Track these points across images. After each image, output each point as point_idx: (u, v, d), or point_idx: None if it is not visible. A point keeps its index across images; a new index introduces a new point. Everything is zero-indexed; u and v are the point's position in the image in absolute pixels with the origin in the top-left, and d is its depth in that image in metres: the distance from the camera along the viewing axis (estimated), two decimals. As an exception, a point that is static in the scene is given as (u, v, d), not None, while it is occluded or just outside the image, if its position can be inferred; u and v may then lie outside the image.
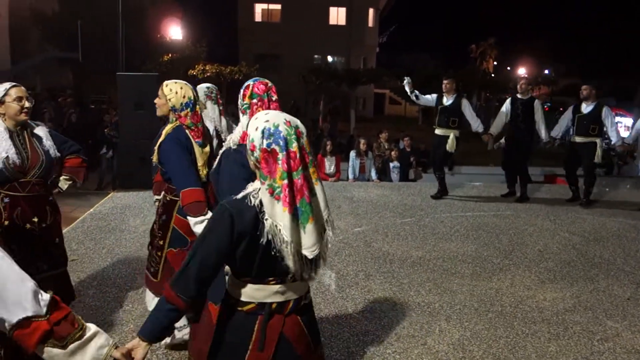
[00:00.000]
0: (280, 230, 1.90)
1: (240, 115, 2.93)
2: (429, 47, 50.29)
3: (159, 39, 22.48)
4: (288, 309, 2.03)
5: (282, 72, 31.33)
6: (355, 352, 3.80)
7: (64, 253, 3.75)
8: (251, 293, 2.01)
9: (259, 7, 36.26)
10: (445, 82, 8.49)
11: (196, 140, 3.42)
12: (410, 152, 11.93)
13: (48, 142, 3.61)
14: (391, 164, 11.08)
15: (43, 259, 3.51)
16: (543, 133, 8.37)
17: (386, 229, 6.73)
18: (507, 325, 4.25)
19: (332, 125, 19.33)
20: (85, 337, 1.80)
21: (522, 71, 44.24)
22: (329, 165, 10.40)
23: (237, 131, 2.90)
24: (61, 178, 3.86)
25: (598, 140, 8.05)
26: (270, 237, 1.91)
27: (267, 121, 1.95)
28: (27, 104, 3.47)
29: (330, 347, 3.82)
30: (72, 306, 4.17)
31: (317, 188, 1.98)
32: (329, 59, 35.99)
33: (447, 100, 8.38)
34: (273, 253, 1.92)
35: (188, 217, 3.24)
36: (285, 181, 1.89)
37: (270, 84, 2.90)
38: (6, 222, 3.38)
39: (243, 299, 2.02)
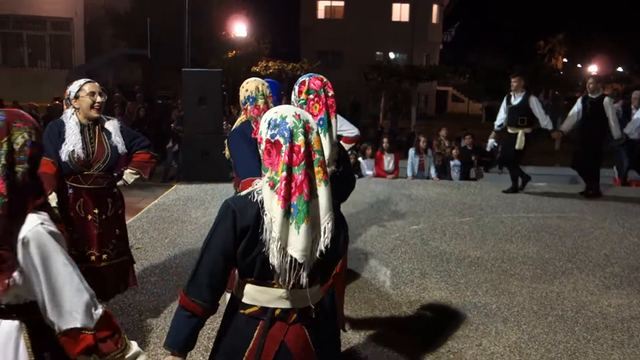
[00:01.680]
0: (271, 224, 1.82)
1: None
2: (494, 43, 48.92)
3: (223, 36, 22.95)
4: (292, 318, 1.92)
5: (344, 69, 31.37)
6: (407, 350, 3.78)
7: (125, 243, 3.90)
8: (254, 295, 1.92)
9: (321, 4, 36.43)
10: (513, 80, 8.34)
11: None
12: (472, 151, 11.66)
13: (117, 138, 3.71)
14: (451, 162, 10.89)
15: (105, 249, 3.67)
16: (614, 131, 8.12)
17: (444, 228, 6.63)
18: (568, 330, 4.10)
19: (392, 123, 19.17)
20: (125, 357, 1.84)
21: (593, 69, 42.48)
22: (387, 163, 10.34)
23: None
24: (127, 171, 3.93)
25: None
26: (266, 234, 1.83)
27: (276, 112, 1.89)
28: (99, 99, 3.60)
29: (382, 343, 3.82)
30: (135, 293, 4.35)
31: (321, 189, 1.85)
32: (391, 55, 35.72)
33: (515, 100, 8.27)
34: (263, 250, 1.84)
35: None
36: (285, 174, 1.80)
37: (325, 79, 2.83)
38: (71, 213, 3.55)
39: (245, 300, 1.93)
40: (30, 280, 1.75)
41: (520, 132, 8.15)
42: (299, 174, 1.81)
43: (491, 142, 8.79)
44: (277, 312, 1.91)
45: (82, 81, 3.66)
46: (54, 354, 1.85)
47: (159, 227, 6.29)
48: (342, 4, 35.94)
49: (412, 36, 34.69)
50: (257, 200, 1.87)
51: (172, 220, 6.61)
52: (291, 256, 1.83)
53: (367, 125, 21.30)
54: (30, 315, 1.82)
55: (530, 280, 5.06)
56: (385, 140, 10.45)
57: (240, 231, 1.86)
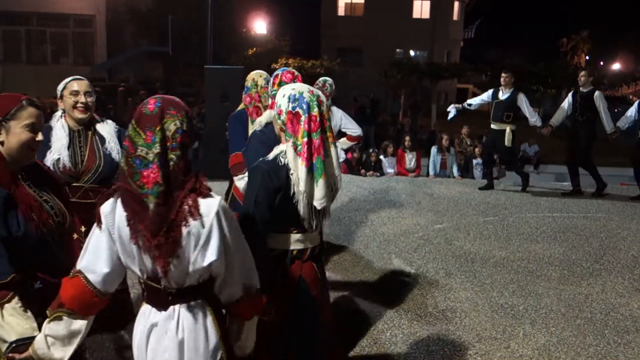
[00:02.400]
0: (298, 181, 2.25)
1: (270, 101, 3.36)
2: (516, 40, 48.40)
3: (244, 33, 22.99)
4: (306, 256, 2.41)
5: (364, 66, 31.26)
6: (434, 351, 3.74)
7: None
8: (276, 242, 2.37)
9: (342, 1, 36.26)
10: (504, 75, 8.34)
11: (252, 118, 3.85)
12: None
13: (112, 144, 3.25)
14: (474, 161, 10.79)
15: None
16: (606, 124, 8.13)
17: (468, 227, 6.56)
18: (597, 333, 4.03)
19: (413, 120, 19.05)
20: None
21: (616, 66, 41.83)
22: (409, 161, 10.27)
23: (265, 115, 3.15)
24: None
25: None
26: (293, 189, 2.27)
27: (294, 89, 2.32)
28: (83, 99, 3.18)
29: (409, 344, 3.78)
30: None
31: (332, 150, 2.32)
32: (412, 53, 35.48)
33: (502, 94, 8.28)
34: (294, 202, 2.28)
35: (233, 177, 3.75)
36: (306, 139, 2.23)
37: (297, 73, 3.25)
38: None
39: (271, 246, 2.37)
40: (227, 252, 1.91)
41: (508, 129, 8.17)
42: (316, 139, 2.25)
43: (451, 107, 8.59)
44: (295, 252, 2.39)
45: (68, 78, 3.27)
46: (224, 326, 2.03)
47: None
48: (362, 1, 35.77)
49: (433, 33, 34.41)
50: (284, 163, 2.29)
51: (194, 217, 6.62)
52: (314, 207, 2.32)
53: (387, 124, 21.24)
54: (208, 293, 1.95)
55: (558, 282, 4.98)
56: (407, 138, 10.38)
57: (275, 190, 2.28)
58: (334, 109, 5.74)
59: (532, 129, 8.87)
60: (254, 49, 24.09)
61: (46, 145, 3.07)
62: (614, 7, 58.14)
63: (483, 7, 43.10)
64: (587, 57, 42.55)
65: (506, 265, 5.35)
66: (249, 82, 3.95)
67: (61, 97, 3.22)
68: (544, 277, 5.07)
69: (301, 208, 2.28)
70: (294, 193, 2.27)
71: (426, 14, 35.02)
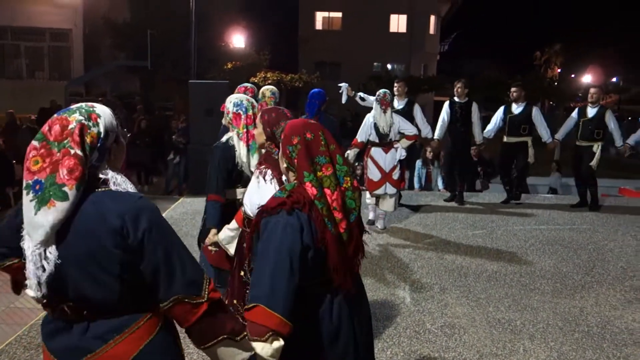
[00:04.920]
0: (241, 156, 3.46)
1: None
2: (492, 53, 49.20)
3: (222, 47, 22.90)
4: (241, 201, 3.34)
5: (342, 80, 31.29)
6: (436, 368, 3.69)
7: None
8: (230, 194, 3.52)
9: (319, 15, 36.46)
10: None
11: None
12: (477, 162, 11.62)
13: None
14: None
15: None
16: (477, 134, 8.41)
17: (457, 241, 6.56)
18: (596, 347, 4.03)
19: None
20: None
21: (587, 79, 42.71)
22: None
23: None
24: None
25: (529, 140, 8.31)
26: (238, 160, 3.47)
27: (237, 98, 3.57)
28: None
29: (410, 362, 3.73)
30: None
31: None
32: (389, 66, 35.77)
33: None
34: (239, 168, 3.48)
35: None
36: (245, 129, 3.49)
37: (249, 86, 4.91)
38: None
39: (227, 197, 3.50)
40: None
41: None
42: (252, 129, 3.45)
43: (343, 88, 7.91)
44: (239, 200, 3.61)
45: None
46: None
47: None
48: (339, 15, 35.99)
49: (410, 47, 34.75)
50: (232, 144, 3.49)
51: (181, 234, 6.49)
52: (250, 169, 3.40)
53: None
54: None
55: (552, 295, 4.99)
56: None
57: (227, 160, 3.47)
58: (395, 115, 6.77)
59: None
60: (233, 63, 24.02)
61: None
62: (586, 21, 59.55)
63: (458, 21, 43.77)
64: (560, 70, 43.44)
65: (499, 279, 5.34)
66: (260, 95, 4.99)
67: None
68: (538, 291, 5.08)
69: (244, 169, 3.46)
70: (237, 162, 3.46)
71: (403, 28, 35.36)
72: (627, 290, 5.17)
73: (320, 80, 27.04)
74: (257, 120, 3.06)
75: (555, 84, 34.27)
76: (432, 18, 35.95)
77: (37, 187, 1.60)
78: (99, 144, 1.67)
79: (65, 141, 1.61)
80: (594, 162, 7.91)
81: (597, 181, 8.33)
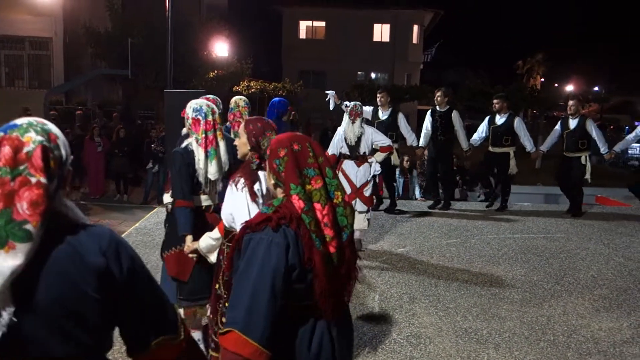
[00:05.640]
0: (199, 161, 3.40)
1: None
2: (474, 63, 49.63)
3: (205, 55, 22.84)
4: (211, 209, 3.51)
5: (326, 88, 31.37)
6: (399, 379, 3.67)
7: None
8: (195, 201, 3.46)
9: (303, 25, 36.61)
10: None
11: (234, 130, 4.52)
12: (456, 171, 11.69)
13: None
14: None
15: None
16: (462, 142, 8.48)
17: (431, 250, 6.57)
18: (560, 356, 4.04)
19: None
20: None
21: (570, 88, 43.23)
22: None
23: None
24: None
25: (511, 151, 8.40)
26: (197, 165, 3.41)
27: (197, 103, 3.51)
28: None
29: (373, 373, 3.71)
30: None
31: (221, 142, 3.49)
32: (373, 75, 35.96)
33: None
34: (195, 175, 3.43)
35: None
36: (204, 135, 3.42)
37: (212, 97, 4.34)
38: None
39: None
40: None
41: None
42: (210, 135, 3.44)
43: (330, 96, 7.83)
44: (204, 207, 3.63)
45: None
46: None
47: (139, 253, 6.10)
48: (323, 24, 36.17)
49: (393, 56, 34.99)
50: (191, 150, 3.42)
51: (154, 245, 6.44)
52: (209, 179, 3.44)
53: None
54: None
55: (520, 304, 5.00)
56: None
57: (187, 165, 3.42)
58: (365, 126, 6.46)
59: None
60: (215, 72, 23.98)
61: None
62: (568, 31, 60.34)
63: (442, 31, 44.10)
64: (542, 79, 43.88)
65: (469, 288, 5.35)
66: (232, 104, 4.92)
67: None
68: (507, 300, 5.09)
69: (201, 178, 3.43)
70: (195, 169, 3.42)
71: (386, 38, 35.60)
72: (595, 299, 5.20)
73: (303, 88, 27.17)
74: (241, 130, 2.99)
75: (537, 93, 34.55)
76: (415, 28, 36.23)
77: None
78: (60, 170, 1.42)
79: (22, 167, 1.33)
80: (587, 176, 8.03)
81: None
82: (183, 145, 3.51)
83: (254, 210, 2.69)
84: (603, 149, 8.30)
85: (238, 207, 2.78)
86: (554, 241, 7.11)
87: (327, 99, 7.77)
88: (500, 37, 66.67)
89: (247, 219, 2.43)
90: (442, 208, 8.62)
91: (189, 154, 3.43)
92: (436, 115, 8.43)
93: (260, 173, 2.87)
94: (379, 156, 6.55)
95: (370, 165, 6.48)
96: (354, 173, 6.45)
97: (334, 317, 1.94)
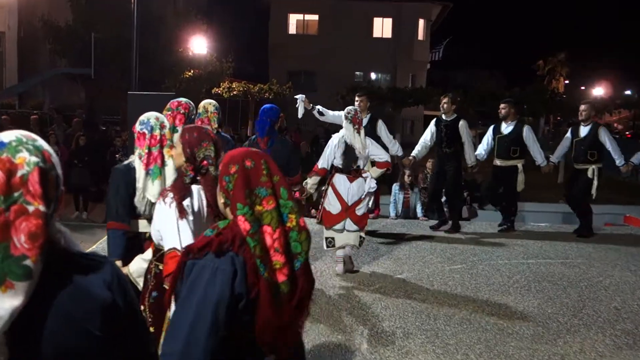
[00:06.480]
0: (137, 179, 3.47)
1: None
2: (488, 63, 50.07)
3: (180, 53, 22.93)
4: (148, 234, 3.40)
5: (318, 91, 31.52)
6: None
7: None
8: (133, 226, 3.57)
9: (293, 18, 36.88)
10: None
11: None
12: (464, 185, 11.70)
13: None
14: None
15: None
16: (468, 156, 8.50)
17: (431, 277, 6.56)
18: (575, 402, 4.02)
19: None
20: None
21: (598, 91, 43.56)
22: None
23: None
24: None
25: (519, 164, 8.41)
26: (137, 183, 3.49)
27: (145, 115, 3.60)
28: None
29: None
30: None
31: (169, 161, 3.53)
32: (372, 76, 36.16)
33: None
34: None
35: None
36: (147, 151, 3.51)
37: (184, 101, 4.27)
38: None
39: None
40: None
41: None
42: (155, 152, 3.53)
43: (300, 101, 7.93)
44: (147, 234, 3.55)
45: None
46: None
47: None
48: (316, 18, 36.42)
49: (396, 54, 35.22)
50: (133, 166, 3.53)
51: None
52: (149, 200, 3.48)
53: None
54: None
55: (531, 340, 4.99)
56: (364, 173, 10.40)
57: (127, 184, 3.51)
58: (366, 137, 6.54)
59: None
60: (192, 72, 24.04)
61: None
62: (594, 27, 60.86)
63: (451, 25, 44.47)
64: (566, 81, 44.25)
65: (473, 322, 5.34)
66: (200, 109, 5.14)
67: None
68: (516, 335, 5.08)
69: (137, 200, 3.50)
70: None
71: (388, 33, 35.89)
72: (617, 335, 5.19)
73: (292, 91, 27.25)
74: (177, 140, 3.09)
75: (564, 96, 34.75)
76: (421, 22, 36.56)
77: None
78: (56, 193, 1.40)
79: (16, 194, 1.31)
80: (593, 191, 8.06)
81: (600, 208, 8.53)
82: (126, 161, 3.62)
83: (184, 228, 2.80)
84: (619, 160, 8.38)
85: (166, 224, 2.87)
86: (573, 268, 7.11)
87: (296, 105, 7.82)
88: (517, 33, 67.24)
89: (176, 237, 2.79)
90: (450, 231, 8.62)
91: (130, 171, 3.50)
92: (441, 124, 8.45)
93: (194, 187, 2.95)
94: (375, 172, 6.61)
95: (365, 181, 6.49)
96: (345, 189, 6.45)
97: (279, 354, 1.94)
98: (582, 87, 48.99)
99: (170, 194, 2.92)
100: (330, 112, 8.13)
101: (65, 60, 22.86)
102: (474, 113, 28.88)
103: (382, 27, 36.00)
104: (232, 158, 2.03)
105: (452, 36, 38.60)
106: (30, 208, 1.31)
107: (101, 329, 1.39)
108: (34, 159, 1.36)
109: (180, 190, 2.91)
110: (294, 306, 1.93)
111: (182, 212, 2.83)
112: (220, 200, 2.06)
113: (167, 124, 3.65)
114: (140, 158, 3.50)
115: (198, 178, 2.94)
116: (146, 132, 3.51)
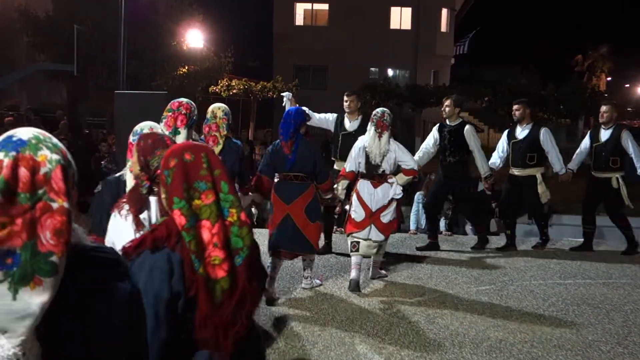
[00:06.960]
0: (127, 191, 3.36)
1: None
2: (520, 57, 50.03)
3: (173, 47, 23.07)
4: None
5: (328, 89, 31.57)
6: None
7: None
8: None
9: (300, 7, 36.92)
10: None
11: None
12: (493, 196, 11.68)
13: None
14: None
15: None
16: (480, 166, 8.57)
17: (456, 300, 6.56)
18: None
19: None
20: None
21: (644, 89, 43.40)
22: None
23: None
24: None
25: (538, 173, 8.39)
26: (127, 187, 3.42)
27: (139, 126, 3.58)
28: None
29: None
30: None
31: None
32: (389, 72, 36.18)
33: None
34: None
35: None
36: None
37: (184, 102, 4.57)
38: None
39: None
40: None
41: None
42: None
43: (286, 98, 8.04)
44: None
45: None
46: None
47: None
48: (326, 7, 36.47)
49: (416, 48, 35.23)
50: (124, 180, 3.51)
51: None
52: None
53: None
54: None
55: (569, 372, 4.98)
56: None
57: (114, 197, 3.40)
58: (392, 142, 6.70)
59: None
60: (186, 68, 24.15)
61: None
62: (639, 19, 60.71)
63: (478, 15, 44.49)
64: (609, 78, 44.11)
65: (504, 350, 5.32)
66: (208, 114, 5.36)
67: None
68: (552, 366, 5.07)
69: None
70: None
71: (407, 24, 35.89)
72: (668, 365, 5.17)
73: (299, 89, 27.28)
74: (133, 148, 3.21)
75: (606, 95, 34.67)
76: (445, 12, 36.58)
77: (10, 262, 1.41)
78: (74, 190, 1.56)
79: (40, 191, 1.45)
80: (627, 202, 8.06)
81: (631, 220, 8.50)
82: (118, 174, 3.67)
83: None
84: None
85: (122, 237, 2.90)
86: (616, 289, 7.09)
87: (282, 104, 7.91)
88: (553, 24, 67.17)
89: None
90: (476, 247, 8.66)
91: (120, 184, 3.55)
92: (445, 130, 8.48)
93: (152, 199, 3.06)
94: (401, 178, 6.76)
95: (391, 187, 6.68)
96: (369, 195, 6.70)
97: (221, 350, 2.09)
98: (627, 85, 48.86)
99: (126, 206, 3.01)
100: (317, 115, 8.22)
101: (45, 56, 23.04)
102: (503, 114, 28.86)
103: (401, 18, 35.99)
104: (173, 152, 2.22)
105: (480, 27, 38.65)
106: (55, 205, 1.46)
107: (122, 320, 1.55)
108: (55, 156, 1.51)
109: (137, 202, 3.01)
110: (235, 302, 2.07)
111: (138, 225, 2.94)
112: (162, 196, 2.21)
113: (165, 133, 3.72)
114: (132, 171, 3.50)
115: (155, 188, 3.01)
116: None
